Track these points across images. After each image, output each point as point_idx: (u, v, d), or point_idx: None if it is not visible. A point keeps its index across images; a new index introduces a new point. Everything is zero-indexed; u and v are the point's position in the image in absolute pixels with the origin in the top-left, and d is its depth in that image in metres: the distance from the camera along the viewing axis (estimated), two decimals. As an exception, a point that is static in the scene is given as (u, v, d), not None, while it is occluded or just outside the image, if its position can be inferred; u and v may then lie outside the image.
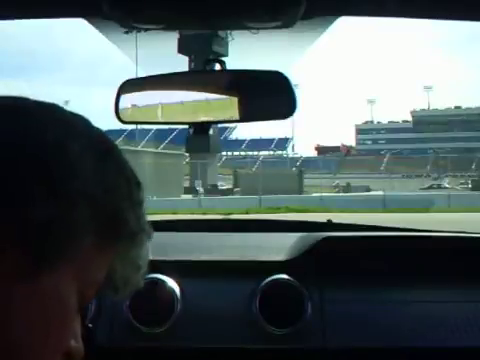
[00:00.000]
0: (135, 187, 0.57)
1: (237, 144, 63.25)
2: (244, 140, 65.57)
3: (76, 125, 0.56)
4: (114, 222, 0.54)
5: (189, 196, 21.44)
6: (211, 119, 1.28)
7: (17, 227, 0.48)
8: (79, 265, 0.51)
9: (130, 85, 1.23)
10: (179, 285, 1.46)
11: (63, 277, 0.50)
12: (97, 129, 0.58)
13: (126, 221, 0.55)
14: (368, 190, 28.88)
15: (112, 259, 0.55)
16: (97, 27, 1.23)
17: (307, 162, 50.61)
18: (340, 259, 1.52)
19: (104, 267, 0.55)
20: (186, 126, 1.64)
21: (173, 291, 1.44)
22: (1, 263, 0.47)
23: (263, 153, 59.78)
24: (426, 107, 66.10)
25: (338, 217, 2.43)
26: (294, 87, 1.18)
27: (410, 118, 65.17)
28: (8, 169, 0.49)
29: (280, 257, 1.53)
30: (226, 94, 1.22)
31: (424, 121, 62.43)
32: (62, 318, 0.50)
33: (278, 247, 1.60)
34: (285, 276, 1.47)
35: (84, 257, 0.51)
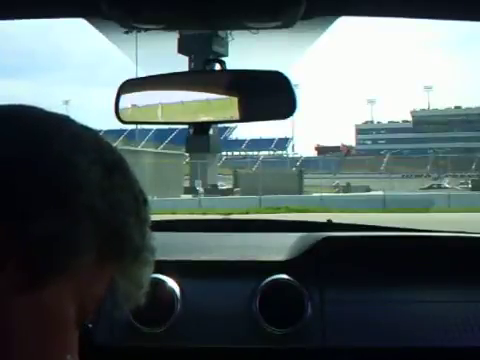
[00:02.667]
0: (142, 204, 0.56)
1: (237, 144, 63.25)
2: (244, 140, 65.57)
3: (84, 138, 0.55)
4: (118, 238, 0.53)
5: (189, 196, 21.44)
6: (211, 119, 1.28)
7: (19, 242, 0.47)
8: (80, 280, 0.51)
9: (130, 85, 1.23)
10: (179, 285, 1.46)
11: (63, 292, 0.50)
12: (106, 143, 0.57)
13: (131, 238, 0.54)
14: (368, 190, 28.87)
15: (115, 275, 0.55)
16: (97, 27, 1.23)
17: (307, 162, 50.57)
18: (340, 259, 1.52)
19: (106, 283, 0.54)
20: (186, 126, 1.64)
21: (173, 291, 1.44)
22: (1, 277, 0.47)
23: (263, 153, 59.80)
24: (426, 107, 66.12)
25: (338, 217, 2.43)
26: (294, 87, 1.18)
27: (410, 118, 65.18)
28: (11, 182, 0.48)
29: (280, 257, 1.53)
30: (226, 94, 1.22)
31: (424, 121, 62.43)
32: (60, 332, 0.50)
33: (278, 247, 1.60)
34: (285, 276, 1.47)
35: (85, 272, 0.51)
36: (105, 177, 0.53)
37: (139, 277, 0.56)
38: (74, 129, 0.55)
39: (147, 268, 0.57)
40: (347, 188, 30.44)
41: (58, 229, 0.48)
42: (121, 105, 1.21)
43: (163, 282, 1.44)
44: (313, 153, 63.25)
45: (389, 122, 67.53)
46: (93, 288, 0.53)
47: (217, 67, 1.21)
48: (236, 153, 61.15)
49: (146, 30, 1.21)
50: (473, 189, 27.83)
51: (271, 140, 64.04)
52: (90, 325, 1.39)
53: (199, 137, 1.33)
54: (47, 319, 0.49)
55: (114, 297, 0.56)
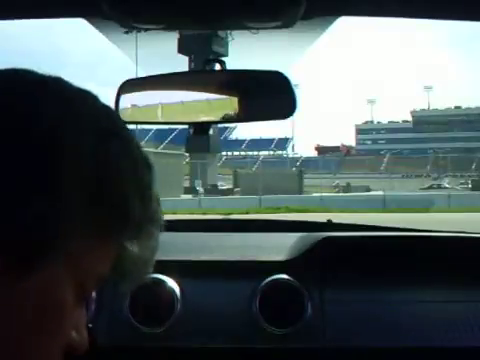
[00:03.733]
0: (143, 171, 0.52)
1: (237, 144, 63.32)
2: (244, 140, 65.64)
3: (79, 102, 0.51)
4: (117, 212, 0.49)
5: (189, 196, 21.46)
6: (211, 119, 1.28)
7: (6, 225, 0.45)
8: (76, 259, 0.48)
9: (130, 85, 1.23)
10: (179, 285, 1.46)
11: (58, 272, 0.47)
12: (103, 107, 0.53)
13: (131, 210, 0.50)
14: (368, 190, 28.89)
15: (117, 250, 0.52)
16: (97, 27, 1.23)
17: (307, 162, 50.57)
18: (340, 259, 1.52)
19: (106, 259, 0.51)
20: (186, 126, 1.64)
21: (173, 291, 1.44)
22: None
23: (263, 153, 59.90)
24: (426, 107, 66.22)
25: (338, 217, 2.43)
26: (294, 87, 1.18)
27: (410, 118, 65.25)
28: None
29: (280, 257, 1.53)
30: (226, 94, 1.22)
31: (424, 121, 62.49)
32: (58, 312, 0.48)
33: (278, 247, 1.60)
34: (285, 276, 1.46)
35: (81, 250, 0.48)
36: (100, 144, 0.49)
37: (143, 251, 0.53)
38: (68, 92, 0.51)
39: (152, 241, 0.53)
40: (347, 188, 30.46)
41: (48, 208, 0.45)
42: (121, 105, 1.21)
43: (163, 282, 1.44)
44: (313, 153, 63.39)
45: (389, 122, 67.66)
46: (91, 266, 0.50)
47: (217, 67, 1.21)
48: (236, 153, 61.21)
49: (146, 30, 1.21)
50: (473, 189, 27.82)
51: (271, 140, 64.10)
52: (90, 325, 1.39)
53: (199, 137, 1.33)
54: (43, 301, 0.47)
55: (116, 273, 0.53)
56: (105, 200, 0.49)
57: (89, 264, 0.50)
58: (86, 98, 0.52)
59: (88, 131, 0.49)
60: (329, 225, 1.92)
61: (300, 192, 24.03)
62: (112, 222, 0.50)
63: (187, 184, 25.30)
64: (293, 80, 1.19)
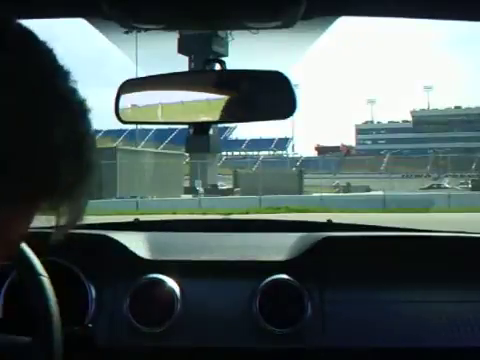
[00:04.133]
0: (77, 115, 0.42)
1: (237, 144, 63.37)
2: (244, 140, 65.68)
3: None
4: (42, 174, 0.40)
5: (189, 196, 21.47)
6: (211, 119, 1.28)
7: None
8: None
9: (130, 85, 1.23)
10: (179, 285, 1.46)
11: None
12: (36, 44, 0.42)
13: (58, 171, 0.41)
14: (368, 190, 28.92)
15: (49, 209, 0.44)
16: (97, 27, 1.23)
17: (307, 162, 50.60)
18: (340, 259, 1.52)
19: (29, 221, 0.45)
20: (186, 126, 1.65)
21: (173, 291, 1.44)
22: None
23: (263, 153, 59.98)
24: (426, 107, 66.24)
25: (338, 217, 2.43)
26: (294, 87, 1.18)
27: (410, 118, 65.28)
28: None
29: (280, 257, 1.53)
30: (226, 94, 1.22)
31: (424, 121, 62.51)
32: None
33: (278, 247, 1.60)
34: (285, 276, 1.47)
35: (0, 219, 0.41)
36: (24, 91, 0.38)
37: (75, 206, 0.45)
38: None
39: (84, 197, 0.45)
40: (347, 188, 30.48)
41: None
42: (121, 105, 1.21)
43: (163, 282, 1.44)
44: (313, 153, 63.44)
45: (389, 122, 67.70)
46: (11, 232, 0.43)
47: (217, 67, 1.21)
48: (236, 153, 61.27)
49: (146, 30, 1.21)
50: (473, 189, 27.84)
51: (271, 140, 64.13)
52: (90, 325, 1.39)
53: (199, 137, 1.33)
54: None
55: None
56: (27, 163, 0.39)
57: (8, 232, 0.43)
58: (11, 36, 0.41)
59: (12, 70, 0.39)
60: (329, 225, 1.92)
61: (300, 192, 24.04)
62: (37, 188, 0.41)
63: (187, 184, 25.32)
64: (293, 80, 1.19)
